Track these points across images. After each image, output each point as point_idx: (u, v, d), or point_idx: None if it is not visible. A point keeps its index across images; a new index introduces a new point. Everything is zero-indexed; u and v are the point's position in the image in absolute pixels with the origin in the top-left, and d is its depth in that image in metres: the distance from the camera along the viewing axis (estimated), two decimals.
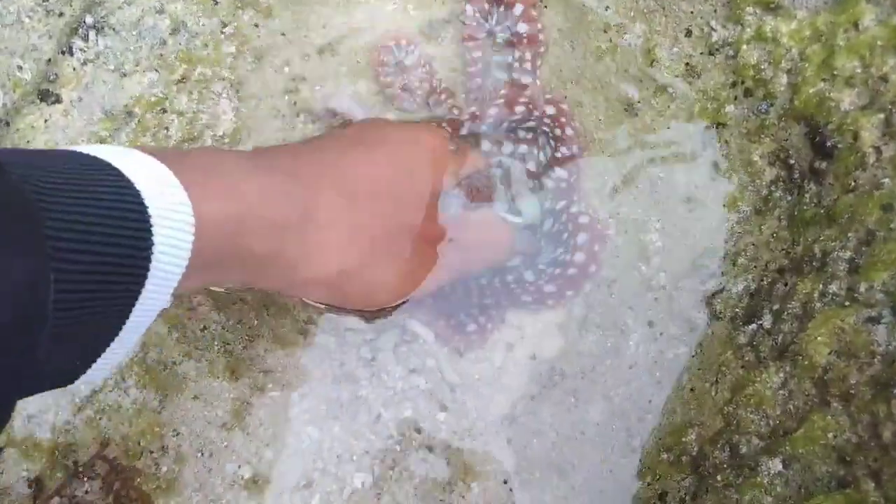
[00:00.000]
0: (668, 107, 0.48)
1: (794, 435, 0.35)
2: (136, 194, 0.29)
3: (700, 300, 0.45)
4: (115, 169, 0.29)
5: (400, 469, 0.45)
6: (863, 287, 0.36)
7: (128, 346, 0.30)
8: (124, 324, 0.29)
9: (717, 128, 0.47)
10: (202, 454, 0.45)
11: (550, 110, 0.48)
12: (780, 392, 0.37)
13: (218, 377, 0.46)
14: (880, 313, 0.35)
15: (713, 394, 0.41)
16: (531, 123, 0.48)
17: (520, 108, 0.47)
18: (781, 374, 0.37)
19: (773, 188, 0.44)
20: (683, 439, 0.40)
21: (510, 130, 0.48)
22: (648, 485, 0.42)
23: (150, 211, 0.29)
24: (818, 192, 0.41)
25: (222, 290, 0.46)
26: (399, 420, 0.46)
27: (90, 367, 0.29)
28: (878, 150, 0.38)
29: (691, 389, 0.43)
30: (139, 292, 0.29)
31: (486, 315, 0.46)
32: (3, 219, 0.24)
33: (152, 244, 0.29)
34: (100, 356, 0.29)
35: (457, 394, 0.46)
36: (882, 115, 0.38)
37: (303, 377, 0.47)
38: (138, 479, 0.44)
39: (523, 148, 0.48)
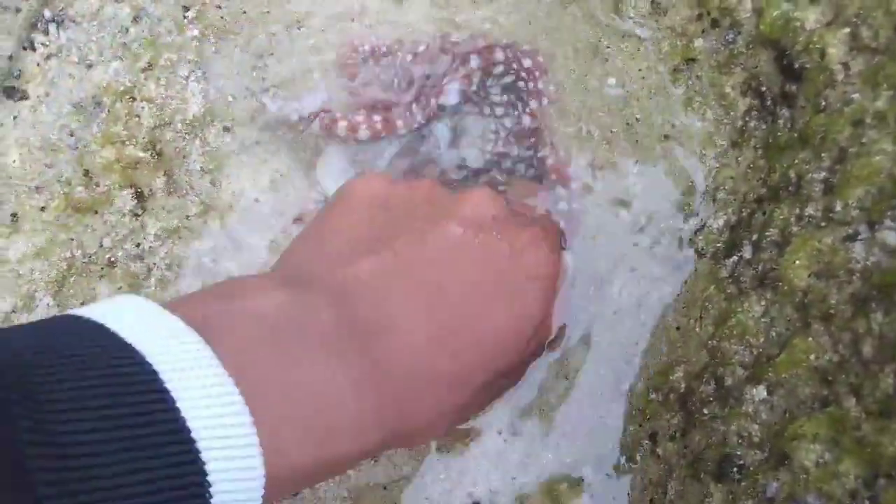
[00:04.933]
0: (638, 49, 0.47)
1: (777, 361, 0.34)
2: (197, 466, 0.22)
3: (682, 239, 0.44)
4: (170, 410, 0.22)
5: None
6: (838, 205, 0.35)
7: None
8: None
9: (687, 63, 0.46)
10: None
11: (527, 63, 0.47)
12: (763, 320, 0.36)
13: None
14: (857, 230, 0.34)
15: (697, 330, 0.40)
16: (508, 79, 0.47)
17: (499, 57, 0.47)
18: (763, 303, 0.37)
19: (747, 118, 0.43)
20: (671, 378, 0.40)
21: (485, 90, 0.47)
22: (640, 426, 0.41)
23: (212, 484, 0.22)
24: (791, 117, 0.40)
25: None
26: None
27: None
28: (845, 65, 0.37)
29: (677, 328, 0.42)
30: None
31: None
32: None
33: None
34: None
35: None
36: (848, 30, 0.37)
37: None
38: None
39: (500, 111, 0.47)
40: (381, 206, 0.36)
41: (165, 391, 0.22)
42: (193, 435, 0.22)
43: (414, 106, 0.47)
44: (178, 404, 0.22)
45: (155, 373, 0.23)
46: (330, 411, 0.27)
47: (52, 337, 0.23)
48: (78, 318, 0.24)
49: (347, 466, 0.30)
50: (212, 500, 0.23)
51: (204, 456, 0.22)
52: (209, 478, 0.22)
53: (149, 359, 0.23)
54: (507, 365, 0.35)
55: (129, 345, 0.23)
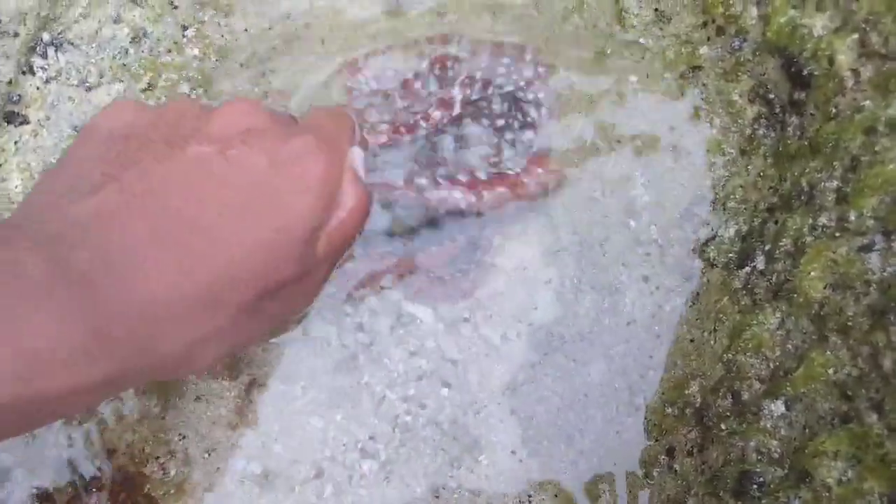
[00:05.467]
0: (642, 57, 0.47)
1: (794, 375, 0.33)
2: None
3: (693, 249, 0.44)
4: None
5: (407, 450, 0.44)
6: (852, 215, 0.34)
7: None
8: None
9: (693, 71, 0.45)
10: (209, 455, 0.45)
11: (528, 72, 0.47)
12: (778, 333, 0.36)
13: (217, 377, 0.46)
14: (872, 240, 0.33)
15: (712, 342, 0.40)
16: (508, 88, 0.47)
17: (501, 69, 0.46)
18: (778, 315, 0.36)
19: (755, 126, 0.43)
20: (686, 392, 0.40)
21: (485, 100, 0.47)
22: (656, 441, 0.41)
23: None
24: (800, 124, 0.40)
25: None
26: (402, 402, 0.45)
27: None
28: (855, 72, 0.36)
29: (691, 340, 0.42)
30: None
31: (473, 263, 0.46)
32: None
33: None
34: None
35: (458, 369, 0.45)
36: (856, 36, 0.36)
37: (303, 368, 0.46)
38: (147, 486, 0.44)
39: (500, 121, 0.47)
40: (121, 137, 0.34)
41: None
42: None
43: (417, 117, 0.47)
44: None
45: None
46: (34, 351, 0.26)
47: None
48: None
49: (77, 401, 0.29)
50: None
51: None
52: None
53: None
54: (274, 283, 0.33)
55: None
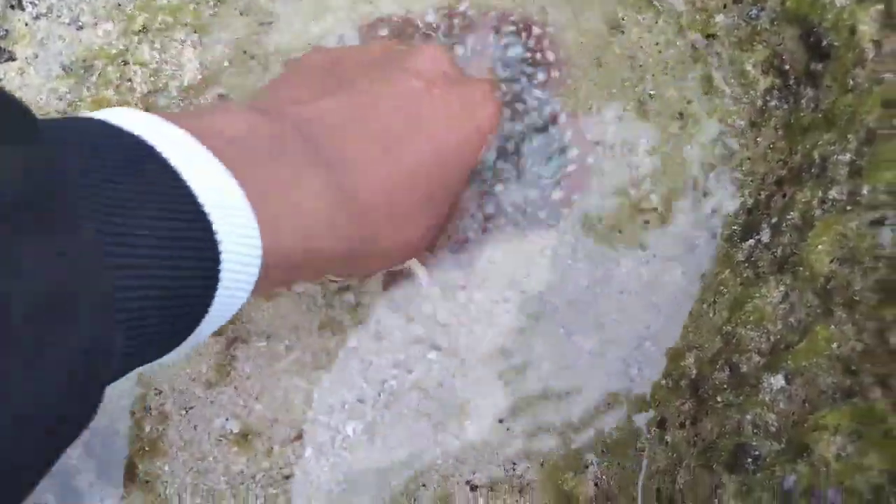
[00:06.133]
0: (656, 22, 0.45)
1: (797, 348, 0.33)
2: (205, 219, 0.25)
3: (695, 220, 0.43)
4: (181, 182, 0.25)
5: (392, 413, 0.43)
6: (865, 189, 0.33)
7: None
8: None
9: (707, 39, 0.44)
10: (186, 412, 0.44)
11: (535, 31, 0.46)
12: (781, 306, 0.35)
13: None
14: (884, 215, 0.32)
15: (711, 315, 0.39)
16: (516, 51, 0.45)
17: (509, 28, 0.45)
18: (782, 288, 0.35)
19: (767, 98, 0.42)
20: (682, 363, 0.39)
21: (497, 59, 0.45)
22: (648, 412, 0.40)
23: (220, 239, 0.25)
24: (815, 96, 0.38)
25: None
26: (390, 363, 0.44)
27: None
28: (877, 44, 0.35)
29: (689, 312, 0.41)
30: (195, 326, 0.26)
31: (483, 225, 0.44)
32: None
33: (217, 283, 0.25)
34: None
35: (449, 333, 0.44)
36: (881, 6, 0.35)
37: (288, 328, 0.45)
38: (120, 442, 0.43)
39: (505, 86, 0.45)
40: (333, 66, 0.39)
41: (176, 172, 0.25)
42: (200, 200, 0.25)
43: None
44: (182, 175, 0.25)
45: (156, 150, 0.25)
46: (311, 212, 0.31)
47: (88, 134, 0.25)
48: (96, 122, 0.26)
49: (324, 266, 0.35)
50: (222, 253, 0.25)
51: (211, 218, 0.25)
52: (215, 228, 0.25)
53: (150, 142, 0.25)
54: (446, 210, 0.41)
55: (141, 139, 0.25)
